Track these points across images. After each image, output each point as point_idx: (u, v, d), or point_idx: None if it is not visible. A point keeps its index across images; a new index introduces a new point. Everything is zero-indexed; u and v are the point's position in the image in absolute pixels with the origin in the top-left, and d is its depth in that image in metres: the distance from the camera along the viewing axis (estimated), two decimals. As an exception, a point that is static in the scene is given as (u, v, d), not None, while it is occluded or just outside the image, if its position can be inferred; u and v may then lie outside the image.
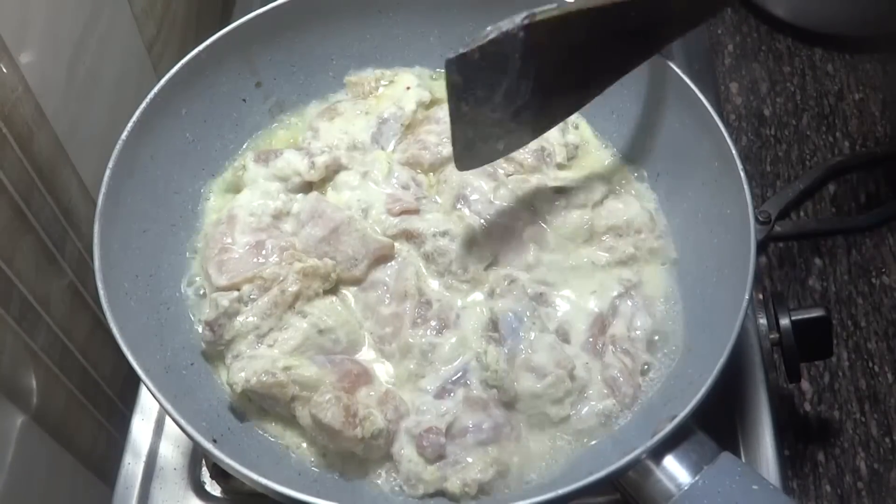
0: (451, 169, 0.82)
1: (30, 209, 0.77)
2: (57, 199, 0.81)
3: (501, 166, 0.83)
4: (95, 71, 0.87)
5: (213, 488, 0.81)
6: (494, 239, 0.79)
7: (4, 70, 0.72)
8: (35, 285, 0.78)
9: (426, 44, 0.90)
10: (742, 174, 0.73)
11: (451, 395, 0.72)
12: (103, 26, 0.88)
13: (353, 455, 0.70)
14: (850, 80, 1.19)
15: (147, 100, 0.77)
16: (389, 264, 0.78)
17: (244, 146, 0.87)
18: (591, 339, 0.75)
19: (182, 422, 0.64)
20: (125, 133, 0.75)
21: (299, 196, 0.81)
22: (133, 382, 0.89)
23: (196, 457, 0.82)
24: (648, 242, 0.80)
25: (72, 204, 0.84)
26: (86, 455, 0.89)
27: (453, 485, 0.68)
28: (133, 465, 0.82)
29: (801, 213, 1.10)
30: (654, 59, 0.80)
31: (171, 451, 0.83)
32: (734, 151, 0.74)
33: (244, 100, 0.86)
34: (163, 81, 0.78)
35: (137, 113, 0.76)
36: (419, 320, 0.75)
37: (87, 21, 0.85)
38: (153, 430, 0.84)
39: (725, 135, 0.75)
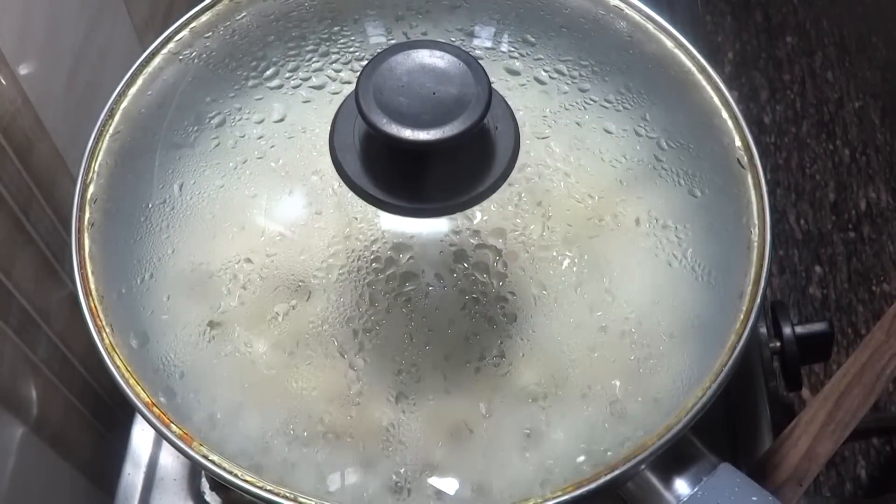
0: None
1: (29, 221, 0.77)
2: (56, 210, 0.81)
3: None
4: (95, 82, 0.87)
5: (213, 499, 0.81)
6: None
7: (3, 82, 0.72)
8: (35, 297, 0.78)
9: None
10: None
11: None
12: (103, 37, 0.88)
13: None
14: (850, 88, 1.19)
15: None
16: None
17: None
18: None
19: (180, 434, 0.63)
20: (124, 145, 0.75)
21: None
22: (133, 393, 0.89)
23: (195, 468, 0.82)
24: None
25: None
26: (86, 465, 0.89)
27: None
28: (133, 476, 0.82)
29: (801, 221, 1.10)
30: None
31: (171, 461, 0.83)
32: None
33: (243, 110, 0.86)
34: (162, 93, 0.77)
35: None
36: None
37: (87, 32, 0.85)
38: (153, 441, 0.84)
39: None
